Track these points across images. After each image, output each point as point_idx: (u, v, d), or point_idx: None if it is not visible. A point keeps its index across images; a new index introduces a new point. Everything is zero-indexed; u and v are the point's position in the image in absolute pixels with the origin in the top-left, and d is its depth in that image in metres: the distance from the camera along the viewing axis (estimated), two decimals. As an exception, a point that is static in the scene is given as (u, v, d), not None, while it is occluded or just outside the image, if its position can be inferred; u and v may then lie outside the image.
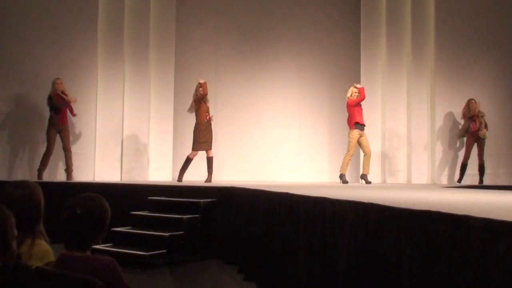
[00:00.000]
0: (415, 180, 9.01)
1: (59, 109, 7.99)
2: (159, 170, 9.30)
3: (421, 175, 9.04)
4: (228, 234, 5.89)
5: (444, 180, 8.96)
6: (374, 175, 8.80)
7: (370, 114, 8.71)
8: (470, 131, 8.57)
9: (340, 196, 3.26)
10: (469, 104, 8.62)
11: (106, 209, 2.19)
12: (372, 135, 8.74)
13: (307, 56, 10.09)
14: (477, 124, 8.57)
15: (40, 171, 8.01)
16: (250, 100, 9.96)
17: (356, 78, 9.40)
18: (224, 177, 9.45)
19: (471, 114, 8.56)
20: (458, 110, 8.88)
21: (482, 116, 8.63)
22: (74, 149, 8.45)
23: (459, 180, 8.57)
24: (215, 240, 6.05)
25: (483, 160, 8.60)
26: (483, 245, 1.74)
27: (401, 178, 9.21)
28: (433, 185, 8.08)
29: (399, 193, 4.52)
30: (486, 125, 8.63)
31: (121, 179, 8.84)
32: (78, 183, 7.60)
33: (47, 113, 8.11)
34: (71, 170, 8.17)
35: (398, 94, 9.29)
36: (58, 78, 8.07)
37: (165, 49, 9.48)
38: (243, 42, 10.12)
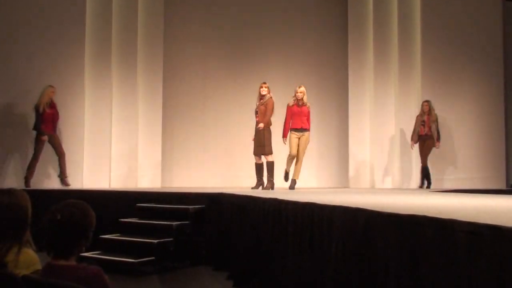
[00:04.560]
0: (403, 185, 9.07)
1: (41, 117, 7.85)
2: (148, 177, 9.26)
3: (409, 180, 9.10)
4: (217, 240, 5.88)
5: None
6: (362, 180, 8.84)
7: (358, 119, 8.76)
8: (418, 134, 8.52)
9: (328, 201, 3.27)
10: (422, 106, 8.55)
11: (89, 215, 2.12)
12: (360, 141, 8.79)
13: (295, 61, 10.14)
14: (426, 129, 8.49)
15: (27, 178, 7.91)
16: (238, 105, 9.96)
17: (344, 83, 9.47)
18: (214, 183, 9.43)
19: (422, 117, 8.48)
20: (445, 116, 8.94)
21: (434, 121, 8.48)
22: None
23: (428, 186, 8.46)
24: (204, 247, 6.03)
25: (426, 162, 8.50)
26: (468, 248, 1.76)
27: (389, 183, 9.26)
28: (420, 190, 8.13)
29: (386, 198, 4.55)
30: (438, 133, 8.46)
31: (109, 186, 8.79)
32: (66, 190, 7.54)
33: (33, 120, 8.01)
34: (66, 176, 8.07)
35: (386, 99, 9.36)
36: (51, 86, 7.99)
37: (153, 54, 9.47)
38: (232, 47, 10.14)
